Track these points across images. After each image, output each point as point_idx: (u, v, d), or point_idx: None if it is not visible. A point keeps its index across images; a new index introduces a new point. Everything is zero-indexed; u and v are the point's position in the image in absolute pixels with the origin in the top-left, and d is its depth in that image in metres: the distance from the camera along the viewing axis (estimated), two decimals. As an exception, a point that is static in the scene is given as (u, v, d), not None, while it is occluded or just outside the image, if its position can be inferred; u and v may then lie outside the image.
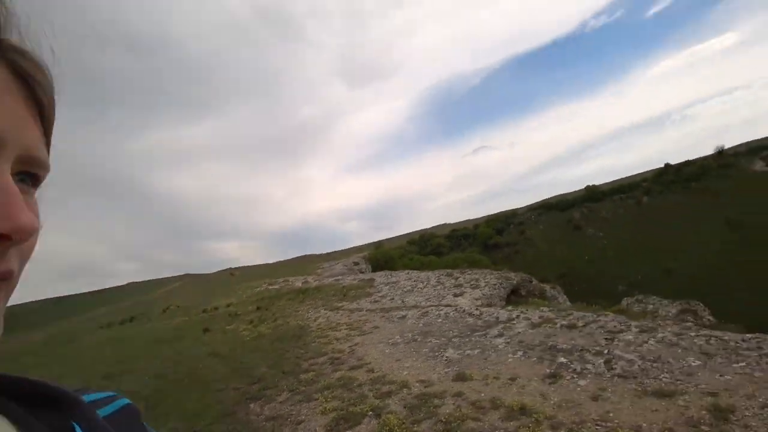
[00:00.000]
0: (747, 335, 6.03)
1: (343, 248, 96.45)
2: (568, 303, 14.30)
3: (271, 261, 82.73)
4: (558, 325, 7.53)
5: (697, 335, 6.16)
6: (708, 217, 61.16)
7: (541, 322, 7.86)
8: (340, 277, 27.66)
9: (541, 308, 8.97)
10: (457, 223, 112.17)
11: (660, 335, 6.30)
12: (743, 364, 5.09)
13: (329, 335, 11.03)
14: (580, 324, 7.37)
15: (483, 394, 5.31)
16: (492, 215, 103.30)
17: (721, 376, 4.88)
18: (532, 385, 5.34)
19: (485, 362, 6.56)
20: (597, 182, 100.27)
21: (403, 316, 11.32)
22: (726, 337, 5.94)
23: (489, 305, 11.50)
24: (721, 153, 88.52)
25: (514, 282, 13.59)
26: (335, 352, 9.09)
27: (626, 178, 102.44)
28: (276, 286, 28.93)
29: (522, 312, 8.77)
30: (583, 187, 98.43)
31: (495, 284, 12.88)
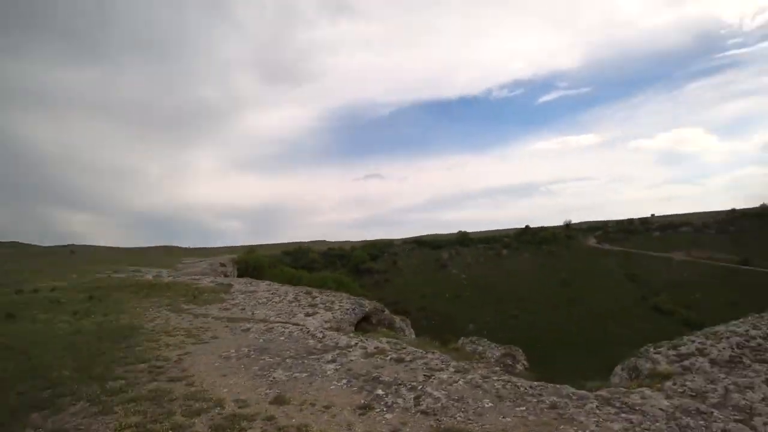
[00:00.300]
0: (535, 383, 7.00)
1: (214, 246, 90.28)
2: (413, 336, 15.24)
3: (126, 245, 73.81)
4: (388, 357, 7.95)
5: (499, 379, 6.98)
6: (550, 275, 70.64)
7: (375, 353, 8.22)
8: (199, 277, 25.73)
9: (380, 339, 9.39)
10: (335, 242, 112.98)
11: (470, 377, 7.00)
12: (524, 408, 5.87)
13: (161, 340, 10.11)
14: (407, 358, 7.88)
15: (294, 420, 5.32)
16: (369, 241, 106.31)
17: (504, 417, 5.55)
18: (343, 415, 5.51)
19: (309, 387, 6.60)
20: (468, 229, 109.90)
21: (247, 329, 10.92)
22: (519, 383, 6.81)
23: (337, 329, 11.68)
24: (568, 226, 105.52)
25: (367, 309, 14.09)
26: (159, 359, 8.35)
27: (493, 231, 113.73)
28: (122, 275, 25.77)
29: (361, 341, 9.09)
30: (456, 231, 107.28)
31: (348, 309, 13.21)
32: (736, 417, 5.77)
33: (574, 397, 6.29)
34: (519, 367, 12.96)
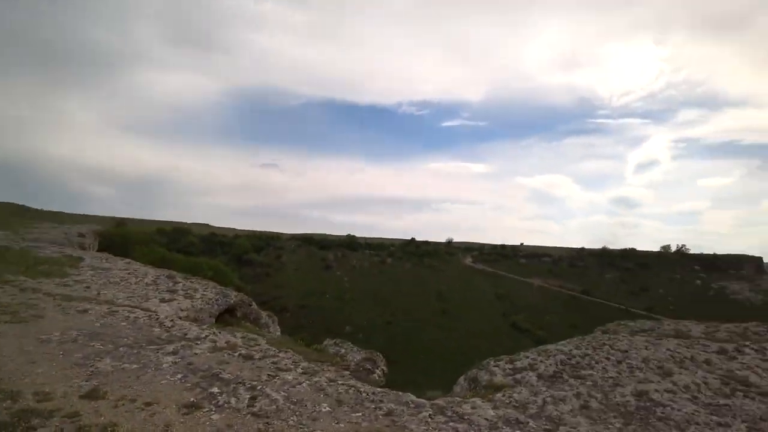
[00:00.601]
0: (378, 389, 7.14)
1: (78, 212, 78.96)
2: (278, 333, 14.80)
3: (-47, 197, 60.70)
4: (237, 353, 7.55)
5: (344, 384, 6.99)
6: (429, 287, 74.70)
7: (224, 348, 7.75)
8: (44, 245, 22.12)
9: (235, 333, 8.90)
10: (219, 227, 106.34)
11: (316, 379, 6.92)
12: (360, 414, 5.92)
13: (-38, 313, 8.41)
14: (257, 356, 7.56)
15: (102, 418, 4.71)
16: (255, 231, 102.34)
17: (337, 423, 5.52)
18: (165, 413, 5.03)
19: (136, 381, 5.94)
20: (358, 234, 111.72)
21: (85, 310, 9.58)
22: (363, 389, 6.89)
23: (194, 320, 10.84)
24: (449, 243, 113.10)
25: (232, 301, 13.33)
26: (-50, 337, 6.90)
27: (380, 238, 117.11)
28: (-66, 232, 21.16)
29: (213, 333, 8.52)
30: (345, 234, 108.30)
31: (211, 299, 12.33)
32: (546, 427, 6.43)
33: (411, 405, 6.53)
34: (377, 372, 13.27)
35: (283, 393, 6.07)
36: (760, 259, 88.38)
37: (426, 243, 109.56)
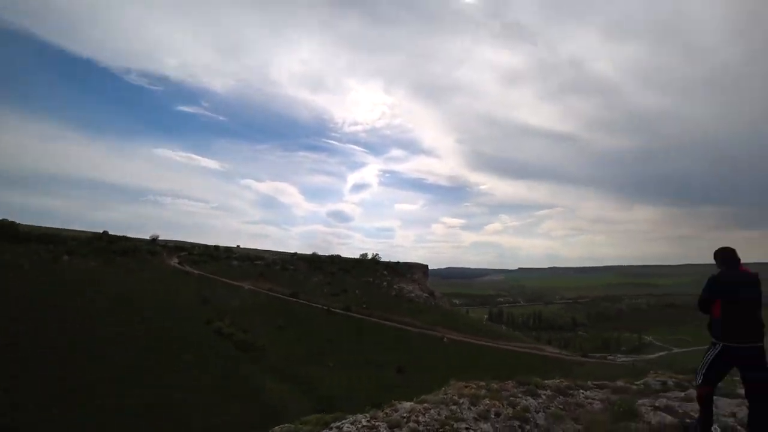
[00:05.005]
0: None
1: None
2: None
3: None
4: None
5: None
6: (108, 290, 60.62)
7: None
8: None
9: None
10: None
11: None
12: None
13: None
14: None
15: None
16: None
17: None
18: None
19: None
20: (27, 221, 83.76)
21: None
22: None
23: None
24: (154, 241, 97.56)
25: None
26: None
27: (60, 229, 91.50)
28: None
29: None
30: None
31: None
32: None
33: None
34: None
35: None
36: (426, 266, 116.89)
37: (124, 239, 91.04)
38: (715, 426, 5.17)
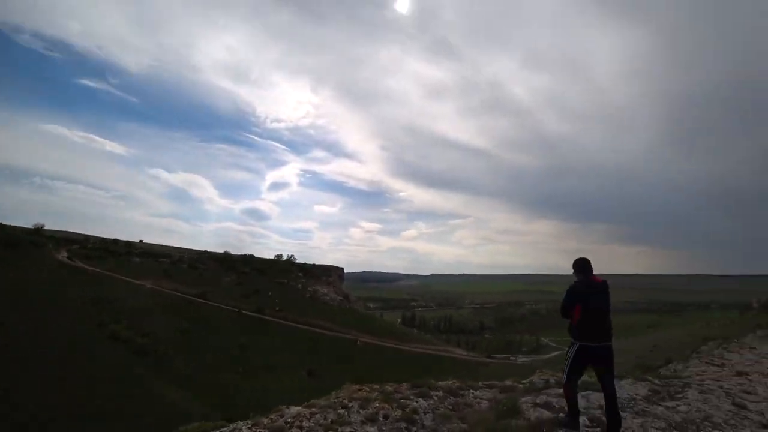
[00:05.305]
0: None
1: None
2: None
3: None
4: None
5: None
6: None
7: None
8: None
9: None
10: None
11: None
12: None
13: None
14: None
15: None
16: None
17: None
18: None
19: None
20: None
21: None
22: None
23: None
24: (37, 231, 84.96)
25: None
26: None
27: None
28: None
29: None
30: None
31: None
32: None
33: None
34: None
35: None
36: (342, 269, 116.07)
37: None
38: (583, 418, 5.88)
